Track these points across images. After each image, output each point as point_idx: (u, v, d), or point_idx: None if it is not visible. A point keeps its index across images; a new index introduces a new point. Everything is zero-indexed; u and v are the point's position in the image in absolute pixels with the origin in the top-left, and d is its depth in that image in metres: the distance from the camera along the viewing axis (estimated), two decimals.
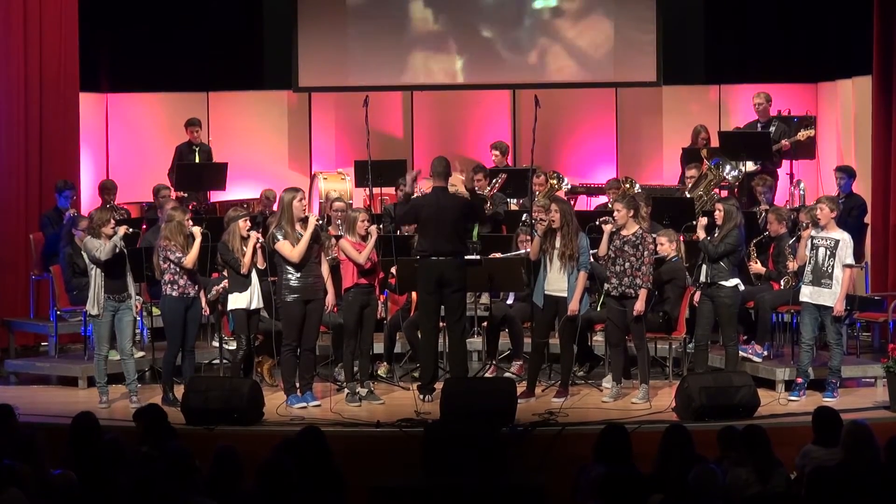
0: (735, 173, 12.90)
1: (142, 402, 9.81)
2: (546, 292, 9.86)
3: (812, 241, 9.78)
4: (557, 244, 9.82)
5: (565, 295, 9.81)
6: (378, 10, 14.84)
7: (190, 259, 9.71)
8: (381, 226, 12.09)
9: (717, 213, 10.04)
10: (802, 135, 13.16)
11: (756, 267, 10.67)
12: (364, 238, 9.89)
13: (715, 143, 13.48)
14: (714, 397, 9.16)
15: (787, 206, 12.16)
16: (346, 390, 10.00)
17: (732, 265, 10.02)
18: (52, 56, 12.40)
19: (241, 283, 9.85)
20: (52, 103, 12.45)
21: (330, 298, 9.87)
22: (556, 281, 9.84)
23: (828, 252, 9.72)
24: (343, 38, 14.83)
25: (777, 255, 10.53)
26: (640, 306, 9.78)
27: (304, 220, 9.75)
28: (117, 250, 9.73)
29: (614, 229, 9.83)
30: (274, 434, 8.67)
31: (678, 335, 10.32)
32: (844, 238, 9.78)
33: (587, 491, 6.52)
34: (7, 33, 11.62)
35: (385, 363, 10.85)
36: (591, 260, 10.10)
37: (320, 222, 9.78)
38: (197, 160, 13.71)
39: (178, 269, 9.73)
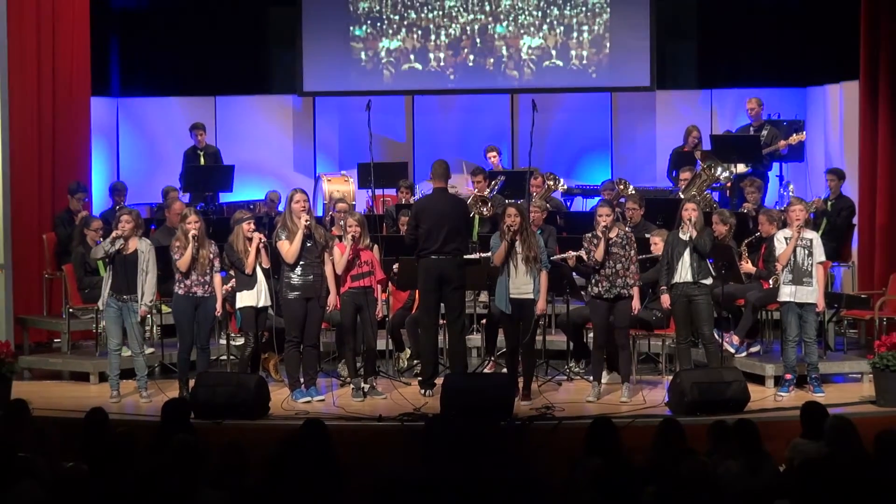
0: (727, 174, 12.93)
1: (151, 396, 9.87)
2: (512, 296, 9.68)
3: (786, 241, 9.81)
4: (520, 248, 9.66)
5: (531, 296, 9.72)
6: (380, 17, 14.88)
7: (181, 262, 9.74)
8: (383, 225, 12.17)
9: (692, 212, 9.90)
10: (793, 139, 13.23)
11: (747, 266, 10.67)
12: (353, 240, 9.89)
13: (707, 145, 13.53)
14: (706, 392, 9.16)
15: (777, 208, 12.18)
16: (351, 385, 10.02)
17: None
18: (64, 61, 12.42)
19: (248, 282, 9.88)
20: (65, 107, 12.47)
21: (331, 298, 9.89)
22: (523, 284, 9.67)
23: (806, 252, 9.78)
24: (346, 44, 14.87)
25: (768, 255, 10.53)
26: (637, 304, 9.77)
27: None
28: (105, 255, 9.77)
29: (606, 229, 9.74)
30: (279, 427, 8.69)
31: (671, 332, 10.30)
32: (816, 237, 9.93)
33: (581, 483, 6.53)
34: (21, 40, 11.63)
35: (406, 350, 10.87)
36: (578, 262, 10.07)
37: (309, 223, 9.77)
38: (202, 163, 13.72)
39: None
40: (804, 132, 13.45)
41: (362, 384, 9.92)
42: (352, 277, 9.85)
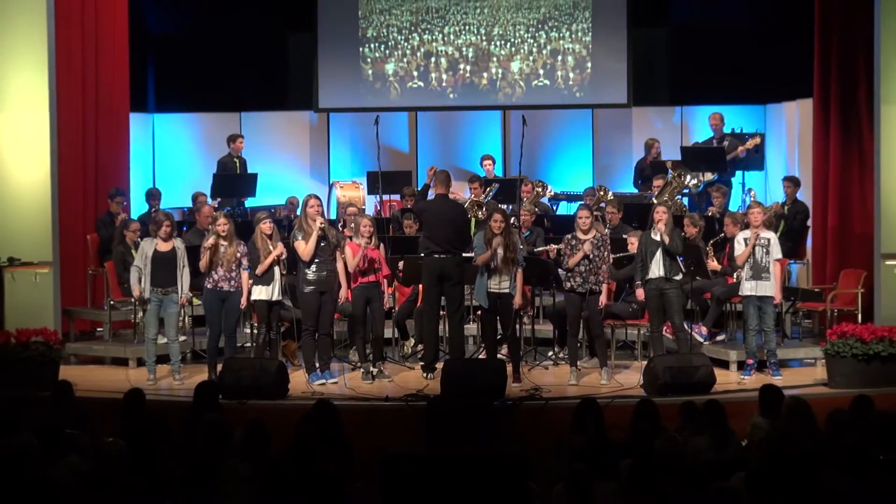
0: (695, 182, 12.94)
1: (184, 379, 9.88)
2: (490, 290, 9.64)
3: (746, 240, 9.80)
4: (502, 250, 9.62)
5: (509, 291, 9.67)
6: (387, 42, 14.87)
7: (201, 263, 9.82)
8: (389, 227, 12.16)
9: (662, 214, 9.91)
10: (749, 143, 13.25)
11: (713, 264, 10.68)
12: (369, 240, 9.89)
13: (667, 154, 13.55)
14: (676, 376, 9.17)
15: (741, 211, 12.17)
16: (361, 369, 10.03)
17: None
18: (105, 81, 12.42)
19: (264, 278, 9.87)
20: (106, 122, 12.47)
21: (342, 291, 9.89)
22: (502, 280, 9.64)
23: (764, 250, 9.78)
24: (357, 66, 14.86)
25: (732, 254, 10.54)
26: (604, 300, 9.76)
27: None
28: (145, 257, 9.81)
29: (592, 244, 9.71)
30: (297, 407, 8.68)
31: (645, 322, 10.30)
32: (773, 237, 9.91)
33: (567, 457, 6.54)
34: (68, 62, 11.63)
35: (410, 339, 10.88)
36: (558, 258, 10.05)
37: (323, 225, 9.77)
38: (238, 170, 13.69)
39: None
40: (758, 137, 13.45)
41: (371, 368, 9.92)
42: (361, 273, 9.86)
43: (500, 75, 14.81)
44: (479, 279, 9.71)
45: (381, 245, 10.22)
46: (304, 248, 9.70)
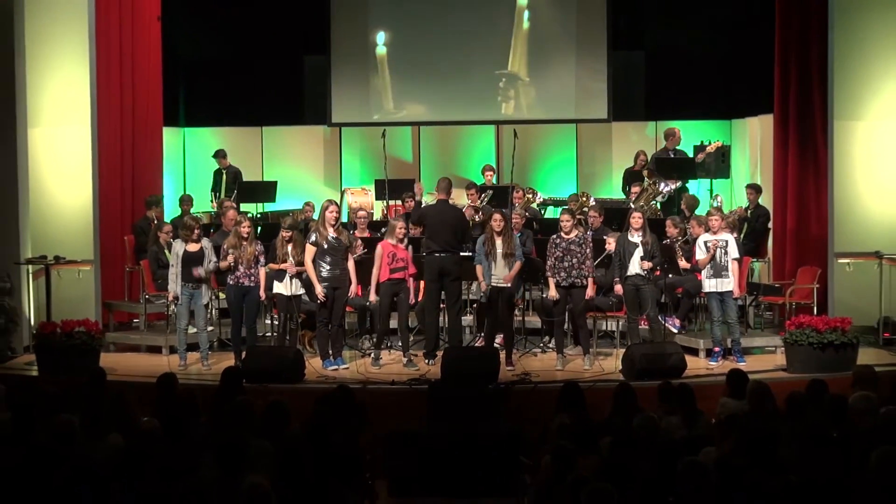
0: (668, 188, 12.94)
1: (211, 365, 9.87)
2: (492, 284, 9.66)
3: (706, 244, 9.82)
4: (501, 247, 9.67)
5: (508, 284, 9.71)
6: (393, 61, 14.87)
7: (222, 265, 9.82)
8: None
9: (638, 219, 9.94)
10: (711, 147, 13.23)
11: (683, 263, 10.68)
12: (401, 241, 9.90)
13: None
14: (652, 361, 9.18)
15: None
16: (370, 355, 10.03)
17: None
18: (141, 99, 12.43)
19: (278, 275, 9.88)
20: (142, 135, 12.48)
21: (353, 287, 9.89)
22: (502, 275, 9.69)
23: (722, 251, 9.79)
24: (366, 85, 14.86)
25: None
26: (590, 292, 9.77)
27: (335, 225, 9.80)
28: (176, 257, 9.82)
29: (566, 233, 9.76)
30: (313, 390, 8.69)
31: (623, 314, 10.30)
32: (731, 238, 9.92)
33: (552, 435, 6.55)
34: (107, 82, 11.64)
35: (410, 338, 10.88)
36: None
37: (325, 294, 9.68)
38: (224, 180, 13.65)
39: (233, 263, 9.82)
40: (719, 142, 13.39)
41: (402, 357, 9.86)
42: (391, 270, 9.86)
43: (494, 93, 14.79)
44: (485, 266, 9.68)
45: (411, 247, 10.19)
46: (308, 264, 9.70)
